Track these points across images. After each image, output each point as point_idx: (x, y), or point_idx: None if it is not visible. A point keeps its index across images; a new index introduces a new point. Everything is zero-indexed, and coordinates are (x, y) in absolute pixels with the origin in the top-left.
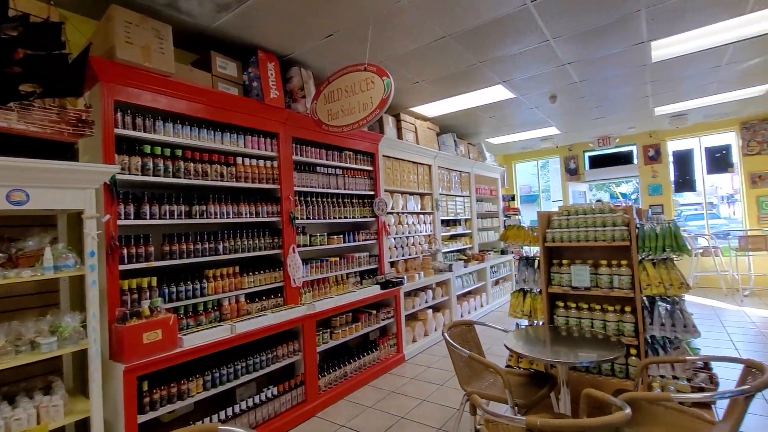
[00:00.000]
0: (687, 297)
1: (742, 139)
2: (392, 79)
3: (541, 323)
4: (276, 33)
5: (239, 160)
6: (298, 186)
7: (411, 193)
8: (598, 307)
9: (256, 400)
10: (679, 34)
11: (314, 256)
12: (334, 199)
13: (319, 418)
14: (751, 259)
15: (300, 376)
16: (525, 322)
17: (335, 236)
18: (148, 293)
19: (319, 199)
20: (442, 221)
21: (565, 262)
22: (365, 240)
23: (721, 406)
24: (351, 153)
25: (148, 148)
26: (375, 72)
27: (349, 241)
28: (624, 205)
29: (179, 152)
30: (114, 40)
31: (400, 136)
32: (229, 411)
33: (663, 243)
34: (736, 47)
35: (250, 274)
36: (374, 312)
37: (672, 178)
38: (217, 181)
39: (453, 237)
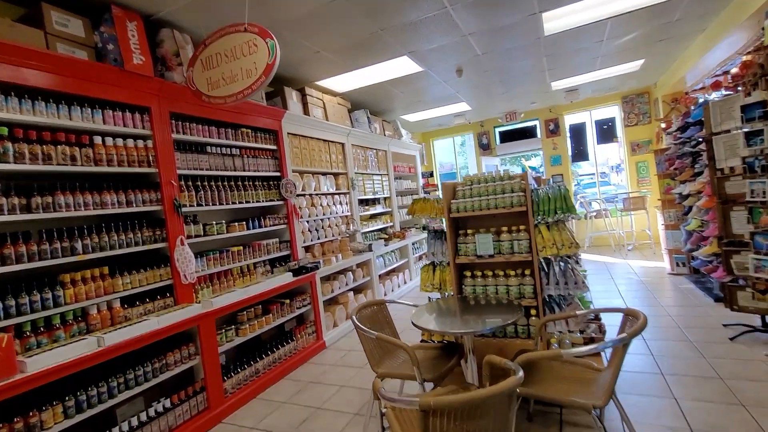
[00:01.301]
0: (584, 255)
1: (624, 111)
2: (277, 42)
3: (451, 294)
4: None
5: (98, 139)
6: (184, 169)
7: (324, 173)
8: (501, 273)
9: (144, 417)
10: (567, 5)
11: (212, 248)
12: (233, 183)
13: (226, 424)
14: (633, 218)
15: (200, 381)
16: (438, 295)
17: (237, 223)
18: None
19: (213, 183)
20: (361, 201)
21: (470, 231)
22: (274, 225)
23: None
24: (250, 131)
25: None
26: (257, 33)
27: (254, 228)
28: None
29: (4, 131)
30: None
31: (306, 112)
32: None
33: (555, 206)
34: (614, 22)
35: (126, 274)
36: (288, 301)
37: (569, 149)
38: (66, 165)
39: (373, 216)
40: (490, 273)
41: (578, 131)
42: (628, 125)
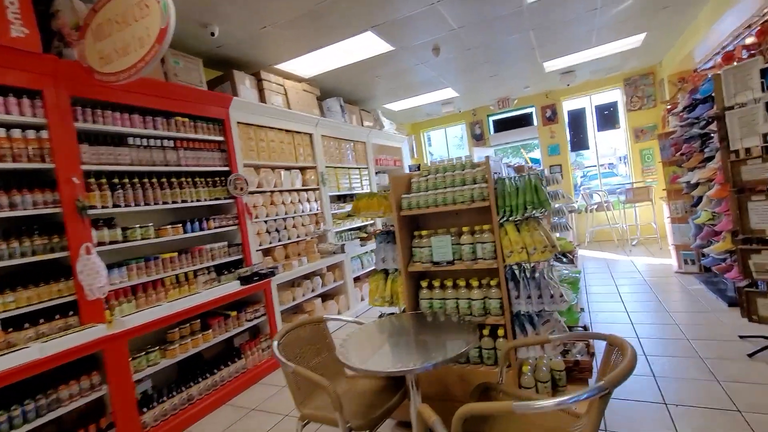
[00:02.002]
0: (585, 252)
1: (626, 95)
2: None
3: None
4: None
5: None
6: (95, 164)
7: (288, 168)
8: (463, 283)
9: None
10: None
11: (139, 255)
12: (165, 180)
13: None
14: (638, 210)
15: (109, 416)
16: (395, 309)
17: (171, 226)
18: None
19: (138, 181)
20: (336, 197)
21: (425, 233)
22: (221, 227)
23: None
24: (187, 119)
25: None
26: None
27: (193, 231)
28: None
29: None
30: None
31: (263, 99)
32: None
33: (524, 200)
34: None
35: (9, 291)
36: (234, 314)
37: (568, 138)
38: None
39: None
40: (450, 283)
41: (577, 118)
42: (632, 110)
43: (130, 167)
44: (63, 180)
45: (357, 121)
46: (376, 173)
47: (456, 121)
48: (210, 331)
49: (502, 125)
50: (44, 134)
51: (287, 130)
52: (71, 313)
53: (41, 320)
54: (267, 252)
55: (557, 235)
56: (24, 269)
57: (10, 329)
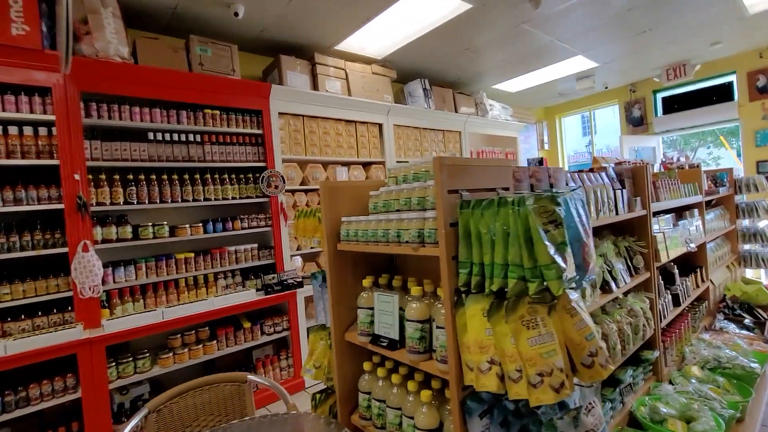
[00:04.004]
0: None
1: None
2: None
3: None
4: None
5: None
6: (108, 160)
7: (344, 163)
8: (414, 386)
9: None
10: None
11: (153, 254)
12: (188, 176)
13: None
14: None
15: (75, 424)
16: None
17: (190, 226)
18: None
19: (155, 177)
20: None
21: (366, 283)
22: (250, 228)
23: None
24: (218, 112)
25: None
26: None
27: (216, 231)
28: None
29: None
30: None
31: (316, 86)
32: None
33: (504, 257)
34: None
35: (5, 283)
36: (248, 325)
37: None
38: None
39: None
40: (397, 379)
41: None
42: None
43: (146, 163)
44: (65, 176)
45: (450, 107)
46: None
47: (605, 102)
48: (214, 342)
49: (675, 104)
50: (54, 131)
51: (347, 120)
52: (69, 308)
53: (39, 313)
54: (312, 257)
55: (748, 273)
56: (27, 263)
57: (8, 319)
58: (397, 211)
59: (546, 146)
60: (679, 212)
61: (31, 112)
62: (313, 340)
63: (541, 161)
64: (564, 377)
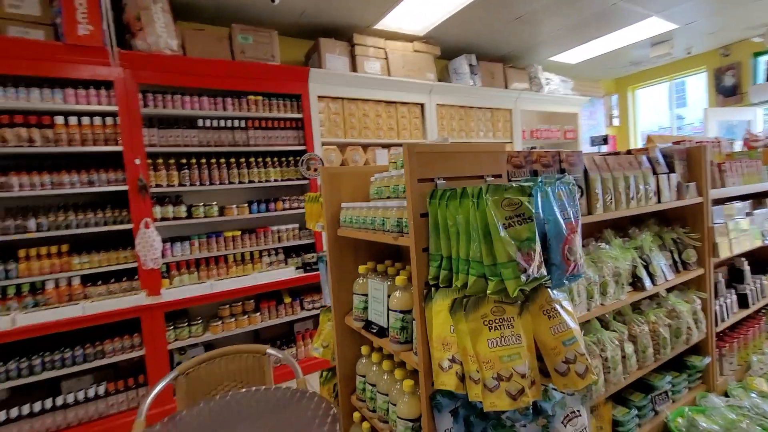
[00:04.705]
0: None
1: None
2: None
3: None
4: None
5: (59, 119)
6: (164, 146)
7: (384, 145)
8: (400, 375)
9: (85, 396)
10: None
11: (200, 231)
12: (234, 160)
13: None
14: None
15: (141, 377)
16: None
17: (236, 206)
18: None
19: (205, 161)
20: None
21: (362, 269)
22: (291, 209)
23: None
24: (260, 98)
25: None
26: None
27: (260, 212)
28: None
29: None
30: None
31: (355, 68)
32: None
33: (467, 251)
34: None
35: (84, 254)
36: (288, 300)
37: None
38: (22, 147)
39: None
40: (388, 366)
41: None
42: None
43: (197, 148)
44: (128, 161)
45: (500, 83)
46: (531, 149)
47: (690, 69)
48: (258, 314)
49: None
50: (117, 120)
51: (387, 102)
52: (135, 277)
53: (112, 280)
54: None
55: None
56: (100, 237)
57: (89, 284)
58: (387, 198)
59: (616, 122)
60: (760, 199)
61: (99, 103)
62: (322, 320)
63: (605, 139)
64: (525, 383)
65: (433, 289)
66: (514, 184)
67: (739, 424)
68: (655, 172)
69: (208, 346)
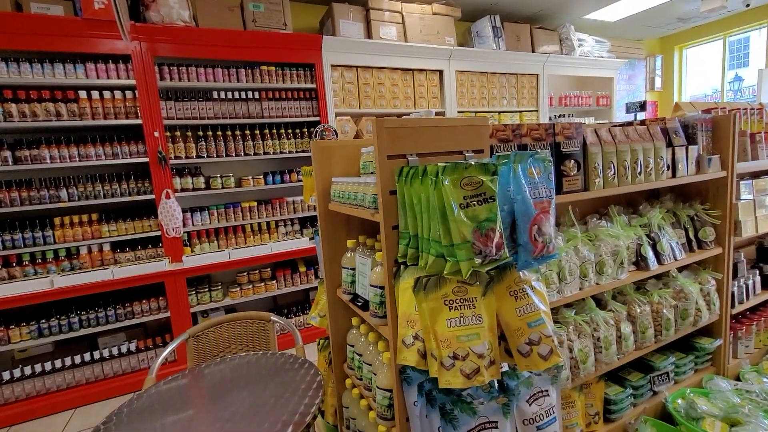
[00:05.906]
0: None
1: None
2: None
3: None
4: None
5: (83, 94)
6: (181, 119)
7: (400, 115)
8: (382, 347)
9: (118, 351)
10: None
11: (222, 202)
12: (249, 131)
13: None
14: None
15: (167, 336)
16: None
17: (252, 177)
18: None
19: (221, 133)
20: None
21: (351, 243)
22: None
23: None
24: (273, 68)
25: None
26: None
27: (275, 183)
28: None
29: None
30: None
31: (370, 34)
32: (87, 356)
33: (428, 229)
34: None
35: (113, 222)
36: (303, 269)
37: None
38: (50, 121)
39: None
40: (373, 337)
41: None
42: None
43: (213, 120)
44: (148, 134)
45: (526, 46)
46: (559, 117)
47: (748, 24)
48: (274, 281)
49: None
50: (137, 94)
51: (403, 69)
52: (159, 245)
53: (138, 247)
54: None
55: None
56: (126, 206)
57: (118, 250)
58: (371, 173)
59: (658, 87)
60: None
61: (118, 77)
62: (320, 291)
63: (643, 105)
64: (482, 363)
65: (402, 266)
66: (474, 162)
67: (740, 408)
68: (671, 144)
69: (229, 309)
